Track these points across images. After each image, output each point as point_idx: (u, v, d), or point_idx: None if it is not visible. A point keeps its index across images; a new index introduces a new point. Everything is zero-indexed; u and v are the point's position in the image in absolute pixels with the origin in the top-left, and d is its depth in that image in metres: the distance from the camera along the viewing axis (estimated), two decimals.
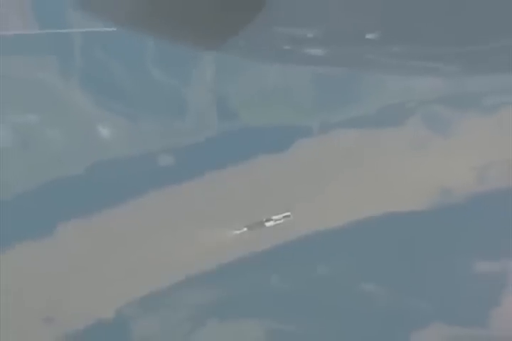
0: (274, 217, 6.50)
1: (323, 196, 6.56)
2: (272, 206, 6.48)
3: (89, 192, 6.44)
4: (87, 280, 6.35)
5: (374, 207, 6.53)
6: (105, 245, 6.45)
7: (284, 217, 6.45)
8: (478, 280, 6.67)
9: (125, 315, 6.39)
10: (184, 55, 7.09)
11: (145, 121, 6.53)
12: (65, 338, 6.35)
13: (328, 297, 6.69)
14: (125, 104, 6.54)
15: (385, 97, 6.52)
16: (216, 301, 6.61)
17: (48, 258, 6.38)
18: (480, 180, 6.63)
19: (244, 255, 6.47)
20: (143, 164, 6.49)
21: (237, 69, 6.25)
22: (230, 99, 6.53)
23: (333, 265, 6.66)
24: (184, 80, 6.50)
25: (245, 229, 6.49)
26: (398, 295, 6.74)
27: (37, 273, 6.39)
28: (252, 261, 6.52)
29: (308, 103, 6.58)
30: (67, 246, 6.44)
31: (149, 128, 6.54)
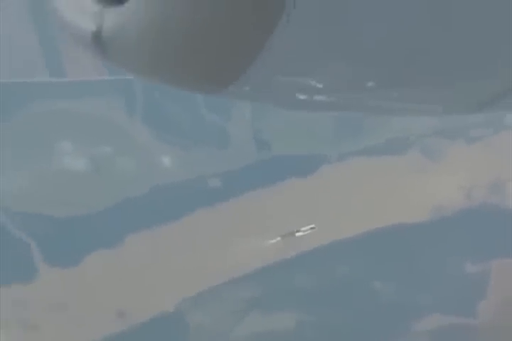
0: (302, 229, 6.57)
1: (341, 211, 6.65)
2: (300, 220, 6.58)
3: (152, 209, 6.53)
4: (151, 281, 6.44)
5: (382, 220, 6.63)
6: (165, 252, 6.53)
7: (310, 228, 6.54)
8: (467, 278, 6.79)
9: (182, 309, 6.49)
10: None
11: (196, 151, 6.61)
12: (134, 328, 6.45)
13: (344, 292, 6.79)
14: (180, 136, 6.61)
15: (390, 132, 6.62)
16: (256, 297, 6.72)
17: (119, 263, 6.46)
18: (467, 197, 6.75)
19: (278, 259, 6.57)
20: (195, 186, 6.58)
21: (268, 107, 6.32)
22: (264, 132, 6.61)
23: (349, 266, 6.74)
24: (227, 117, 6.58)
25: (279, 238, 6.57)
26: (402, 291, 6.84)
27: (110, 275, 6.48)
28: (285, 264, 6.62)
29: (328, 135, 6.68)
30: (135, 253, 6.52)
31: (200, 157, 6.63)
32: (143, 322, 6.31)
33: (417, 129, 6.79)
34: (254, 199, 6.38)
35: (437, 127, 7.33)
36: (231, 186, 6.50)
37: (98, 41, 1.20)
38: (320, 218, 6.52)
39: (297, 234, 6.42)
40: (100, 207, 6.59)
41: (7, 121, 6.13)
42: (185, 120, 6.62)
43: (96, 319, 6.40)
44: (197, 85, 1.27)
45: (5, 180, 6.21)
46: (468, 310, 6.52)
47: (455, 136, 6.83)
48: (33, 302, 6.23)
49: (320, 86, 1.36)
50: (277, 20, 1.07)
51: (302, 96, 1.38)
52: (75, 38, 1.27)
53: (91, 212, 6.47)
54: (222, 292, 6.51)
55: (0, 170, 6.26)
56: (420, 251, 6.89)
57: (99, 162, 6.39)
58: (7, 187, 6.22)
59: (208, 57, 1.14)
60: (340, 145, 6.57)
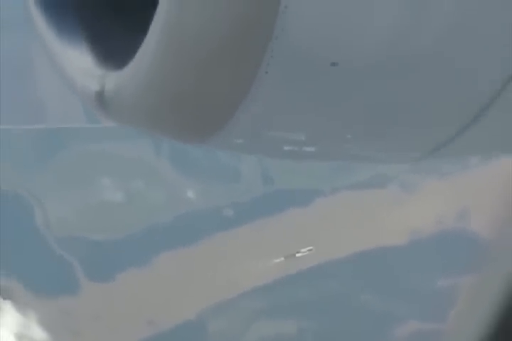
0: (302, 250, 6.57)
1: (334, 236, 6.66)
2: (299, 243, 6.58)
3: (176, 234, 6.54)
4: (176, 293, 6.43)
5: (368, 243, 6.62)
6: (187, 270, 6.51)
7: (308, 250, 6.52)
8: (440, 291, 6.77)
9: (202, 317, 6.47)
10: None
11: (213, 185, 6.64)
12: (162, 334, 6.43)
13: (336, 303, 6.78)
14: (200, 173, 6.66)
15: (373, 169, 6.65)
16: (263, 307, 6.71)
17: (148, 279, 6.46)
18: (438, 223, 6.75)
19: (282, 276, 6.56)
20: (212, 214, 6.60)
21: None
22: (270, 169, 6.64)
23: (340, 282, 6.74)
24: (238, 158, 6.63)
25: (282, 258, 6.56)
26: (386, 301, 6.82)
27: (141, 289, 6.48)
28: (287, 280, 6.61)
29: (323, 172, 6.70)
30: (161, 271, 6.51)
31: (216, 190, 6.65)
32: (169, 328, 6.30)
33: (396, 166, 6.86)
34: (261, 225, 6.41)
35: (413, 164, 7.44)
36: (242, 215, 6.53)
37: (101, 100, 1.22)
38: (316, 241, 6.55)
39: (297, 255, 6.43)
40: (132, 232, 6.63)
41: (53, 161, 6.19)
42: (204, 160, 6.68)
43: (129, 326, 6.40)
44: (184, 137, 1.29)
45: (53, 210, 6.25)
46: (440, 317, 6.52)
47: (429, 172, 6.87)
48: (76, 312, 6.24)
49: (303, 138, 1.36)
50: (256, 71, 1.07)
51: (287, 148, 1.38)
52: (81, 95, 1.29)
53: (124, 236, 6.50)
54: (236, 302, 6.52)
55: (49, 202, 6.32)
56: (400, 268, 6.89)
57: (132, 194, 6.43)
58: (55, 216, 6.26)
59: (193, 112, 1.16)
60: (332, 181, 6.62)
